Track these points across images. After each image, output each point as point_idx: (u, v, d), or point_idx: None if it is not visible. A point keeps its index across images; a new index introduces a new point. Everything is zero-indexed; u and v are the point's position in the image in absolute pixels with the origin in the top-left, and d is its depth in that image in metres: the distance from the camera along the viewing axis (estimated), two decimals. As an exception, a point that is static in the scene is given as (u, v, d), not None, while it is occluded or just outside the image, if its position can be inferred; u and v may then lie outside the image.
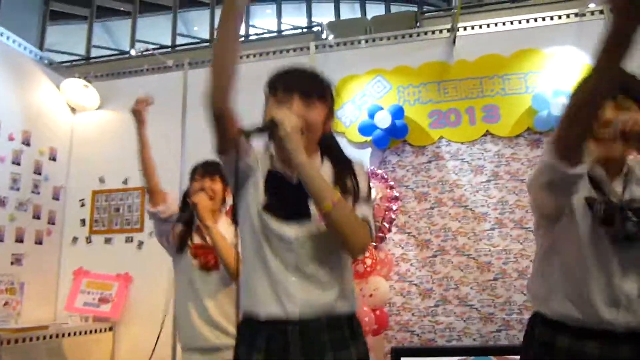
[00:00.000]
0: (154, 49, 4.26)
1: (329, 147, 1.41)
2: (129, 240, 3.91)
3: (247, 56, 3.99)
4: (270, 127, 1.22)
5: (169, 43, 6.31)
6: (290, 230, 1.29)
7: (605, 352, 1.27)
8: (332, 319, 1.29)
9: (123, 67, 4.41)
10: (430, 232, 3.44)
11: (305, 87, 1.32)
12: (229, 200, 2.35)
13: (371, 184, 3.27)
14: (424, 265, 3.40)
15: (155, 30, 7.65)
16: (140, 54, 4.23)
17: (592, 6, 3.66)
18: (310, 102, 1.31)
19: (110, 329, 3.72)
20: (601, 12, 3.64)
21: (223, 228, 2.28)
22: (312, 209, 1.29)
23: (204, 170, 2.35)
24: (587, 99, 1.16)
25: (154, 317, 3.14)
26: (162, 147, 3.92)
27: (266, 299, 1.28)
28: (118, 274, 3.83)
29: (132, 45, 4.42)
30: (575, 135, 1.20)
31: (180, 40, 7.03)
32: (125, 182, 4.01)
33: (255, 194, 1.34)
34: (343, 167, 1.38)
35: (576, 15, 3.69)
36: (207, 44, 4.54)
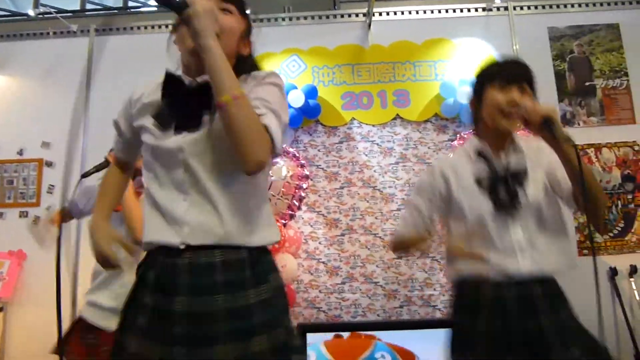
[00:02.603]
0: (56, 12, 3.97)
1: (246, 70, 1.29)
2: (23, 215, 3.65)
3: (160, 27, 3.82)
4: (180, 7, 1.11)
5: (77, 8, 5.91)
6: (176, 141, 1.17)
7: (518, 292, 1.47)
8: (228, 253, 1.14)
9: (23, 28, 4.07)
10: (340, 211, 3.51)
11: None
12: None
13: (282, 162, 3.25)
14: (332, 244, 3.47)
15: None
16: (41, 15, 3.92)
17: (497, 2, 3.86)
18: (227, 7, 1.25)
19: (1, 309, 3.47)
20: (505, 8, 3.85)
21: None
22: (207, 118, 1.17)
23: None
24: None
25: (49, 296, 2.97)
26: (63, 116, 3.72)
27: (155, 224, 1.16)
28: (10, 250, 3.57)
29: (36, 6, 4.07)
30: None
31: (89, 7, 6.60)
32: (20, 152, 3.72)
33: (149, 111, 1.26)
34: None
35: (483, 9, 3.88)
36: (115, 11, 4.28)
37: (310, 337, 3.04)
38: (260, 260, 1.18)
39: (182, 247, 1.13)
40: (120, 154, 1.45)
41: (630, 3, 3.90)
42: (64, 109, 3.71)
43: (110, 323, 2.00)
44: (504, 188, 1.52)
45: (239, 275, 1.13)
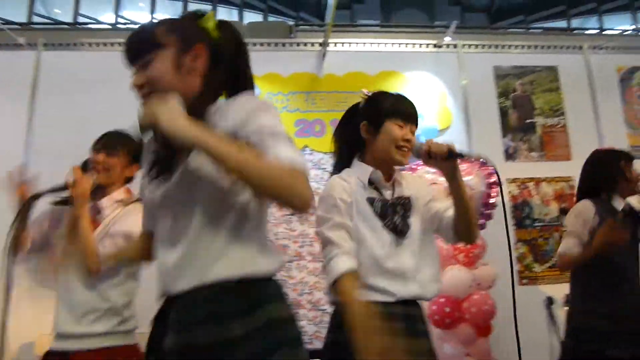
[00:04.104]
0: (3, 23, 3.84)
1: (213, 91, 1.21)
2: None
3: (113, 45, 3.75)
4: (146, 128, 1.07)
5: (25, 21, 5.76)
6: (156, 192, 1.16)
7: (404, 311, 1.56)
8: (207, 289, 1.08)
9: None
10: (289, 237, 3.51)
11: (130, 54, 1.17)
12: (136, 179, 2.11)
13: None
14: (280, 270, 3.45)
15: (10, 5, 6.95)
16: (-15, 27, 3.79)
17: (447, 39, 4.04)
18: (142, 63, 1.15)
19: None
20: (455, 46, 4.03)
21: (131, 216, 2.00)
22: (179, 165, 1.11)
23: (101, 142, 2.06)
24: None
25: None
26: (4, 131, 3.57)
27: (158, 275, 1.15)
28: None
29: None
30: None
31: (38, 20, 6.46)
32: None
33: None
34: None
35: (435, 46, 4.05)
36: (66, 26, 4.19)
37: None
38: (250, 291, 1.10)
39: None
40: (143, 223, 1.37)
41: (567, 48, 4.17)
42: (7, 124, 3.57)
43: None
44: (395, 215, 1.61)
45: (222, 307, 1.08)
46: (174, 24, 1.19)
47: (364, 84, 3.79)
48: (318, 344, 3.35)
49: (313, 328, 3.39)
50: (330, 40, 3.84)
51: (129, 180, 2.14)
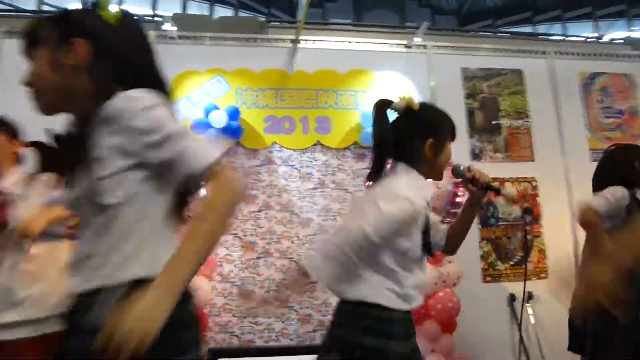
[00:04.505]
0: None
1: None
2: None
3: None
4: None
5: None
6: (69, 193, 1.13)
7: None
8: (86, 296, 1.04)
9: None
10: (256, 234, 3.50)
11: (22, 49, 1.14)
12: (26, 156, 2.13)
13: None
14: (247, 267, 3.44)
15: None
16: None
17: (417, 40, 4.09)
18: (31, 56, 1.13)
19: None
20: (425, 47, 4.09)
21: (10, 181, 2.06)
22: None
23: None
24: None
25: None
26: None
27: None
28: None
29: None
30: None
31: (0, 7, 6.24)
32: None
33: None
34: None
35: (404, 46, 4.09)
36: (28, 14, 4.07)
37: (221, 362, 2.98)
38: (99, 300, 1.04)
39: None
40: None
41: (532, 53, 4.27)
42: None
43: None
44: (428, 235, 1.68)
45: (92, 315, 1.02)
46: (56, 17, 1.13)
47: (334, 82, 3.83)
48: (285, 341, 3.35)
49: (280, 325, 3.39)
50: (301, 38, 3.83)
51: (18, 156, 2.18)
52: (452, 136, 1.73)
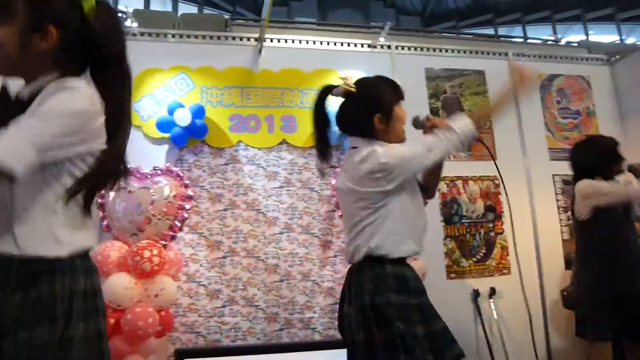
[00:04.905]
0: None
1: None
2: None
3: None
4: None
5: None
6: None
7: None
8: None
9: None
10: (222, 233, 3.46)
11: None
12: None
13: (165, 181, 3.15)
14: (213, 266, 3.40)
15: None
16: None
17: (382, 40, 4.13)
18: None
19: None
20: (389, 47, 4.13)
21: None
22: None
23: None
24: None
25: None
26: None
27: None
28: None
29: None
30: None
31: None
32: None
33: None
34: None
35: (369, 46, 4.12)
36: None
37: (187, 363, 2.94)
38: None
39: None
40: None
41: (494, 54, 4.37)
42: None
43: None
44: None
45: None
46: None
47: (299, 80, 3.82)
48: (252, 341, 3.34)
49: (247, 324, 3.36)
50: (266, 36, 3.82)
51: None
52: (397, 98, 1.83)
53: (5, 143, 0.99)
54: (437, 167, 1.94)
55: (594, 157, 2.98)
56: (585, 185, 2.91)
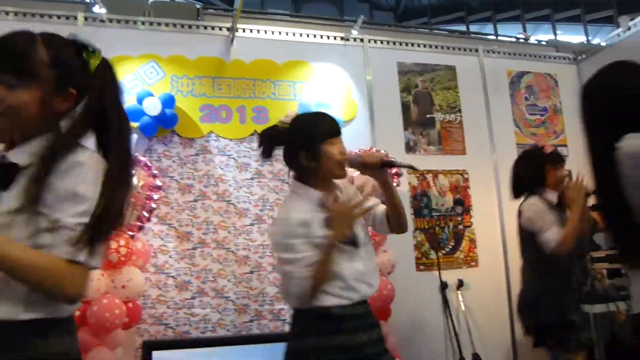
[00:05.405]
0: None
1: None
2: None
3: (7, 13, 3.41)
4: None
5: None
6: None
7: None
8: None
9: None
10: (192, 224, 3.42)
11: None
12: None
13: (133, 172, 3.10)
14: (183, 257, 3.36)
15: None
16: None
17: (354, 33, 4.13)
18: (6, 79, 1.08)
19: None
20: (362, 40, 4.14)
21: None
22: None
23: None
24: None
25: None
26: None
27: None
28: None
29: None
30: None
31: None
32: None
33: None
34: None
35: (342, 38, 4.12)
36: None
37: (156, 355, 2.91)
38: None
39: None
40: None
41: (465, 50, 4.43)
42: None
43: None
44: None
45: None
46: (57, 55, 1.13)
47: (271, 72, 3.80)
48: (222, 332, 3.32)
49: (216, 315, 3.34)
50: (239, 26, 3.78)
51: None
52: (327, 135, 1.75)
53: None
54: (393, 205, 1.88)
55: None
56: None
